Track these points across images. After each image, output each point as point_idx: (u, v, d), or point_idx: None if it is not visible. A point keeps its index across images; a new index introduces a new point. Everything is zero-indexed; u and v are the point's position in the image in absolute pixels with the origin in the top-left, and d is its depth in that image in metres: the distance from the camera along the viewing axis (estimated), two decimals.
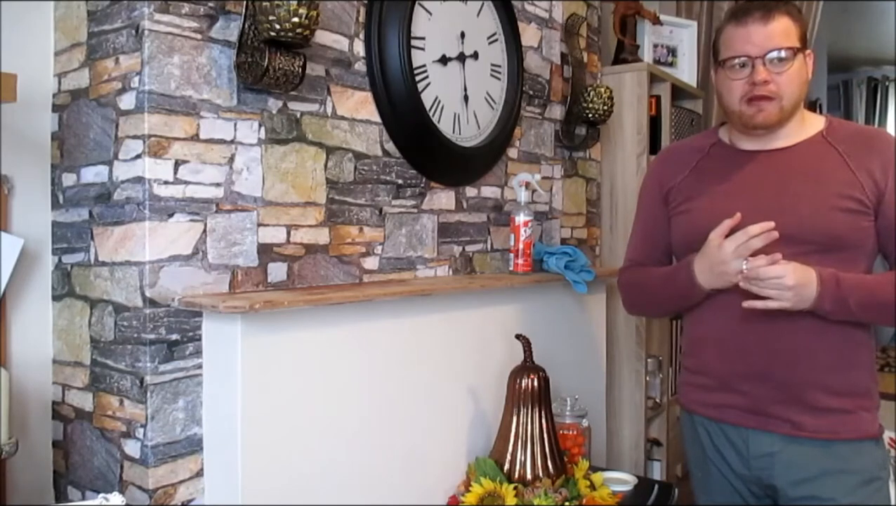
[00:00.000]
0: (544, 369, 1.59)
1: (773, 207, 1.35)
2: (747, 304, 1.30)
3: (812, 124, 1.42)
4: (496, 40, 1.91)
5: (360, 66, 1.55)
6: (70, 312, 1.33)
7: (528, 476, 1.52)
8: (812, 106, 4.83)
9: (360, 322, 1.40)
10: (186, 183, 1.24)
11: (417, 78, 1.64)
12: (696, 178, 1.50)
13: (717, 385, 1.45)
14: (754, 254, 1.30)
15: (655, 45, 2.73)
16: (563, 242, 2.21)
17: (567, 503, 1.47)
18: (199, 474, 1.26)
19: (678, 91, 2.67)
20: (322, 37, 1.46)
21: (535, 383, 1.55)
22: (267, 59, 1.25)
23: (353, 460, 1.39)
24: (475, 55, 1.84)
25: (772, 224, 1.28)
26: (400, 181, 1.64)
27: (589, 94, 2.12)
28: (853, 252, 1.34)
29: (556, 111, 2.19)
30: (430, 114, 1.68)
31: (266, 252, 1.36)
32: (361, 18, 1.56)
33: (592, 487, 1.55)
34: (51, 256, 1.36)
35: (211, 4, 1.27)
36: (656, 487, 1.66)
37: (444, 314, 1.59)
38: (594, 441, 1.91)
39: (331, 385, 1.35)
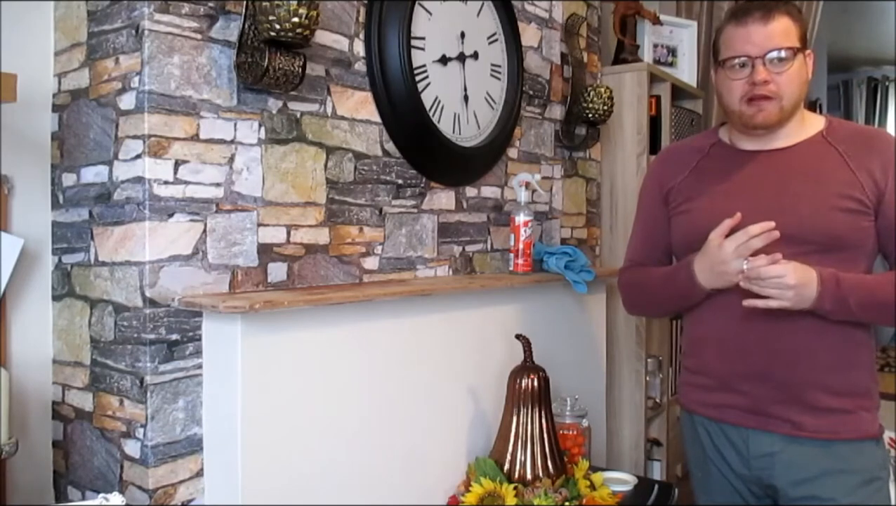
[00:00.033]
0: (544, 369, 1.59)
1: (773, 207, 1.35)
2: (747, 302, 1.30)
3: (812, 124, 1.42)
4: (496, 40, 1.91)
5: (360, 66, 1.55)
6: (70, 312, 1.33)
7: (528, 476, 1.52)
8: (812, 106, 4.83)
9: (360, 322, 1.40)
10: (186, 183, 1.24)
11: (417, 78, 1.64)
12: (696, 178, 1.50)
13: (718, 385, 1.45)
14: (755, 254, 1.30)
15: (655, 45, 2.73)
16: (563, 242, 2.21)
17: (567, 503, 1.47)
18: (199, 474, 1.26)
19: (678, 91, 2.67)
20: (322, 37, 1.46)
21: (535, 383, 1.55)
22: (267, 59, 1.25)
23: (353, 460, 1.39)
24: (475, 55, 1.84)
25: (772, 224, 1.28)
26: (400, 181, 1.64)
27: (589, 94, 2.12)
28: (853, 252, 1.34)
29: (556, 111, 2.19)
30: (430, 114, 1.68)
31: (266, 252, 1.36)
32: (361, 18, 1.56)
33: (592, 487, 1.55)
34: (51, 256, 1.36)
35: (211, 4, 1.27)
36: (656, 487, 1.66)
37: (444, 314, 1.59)
38: (594, 441, 1.91)
39: (331, 385, 1.35)
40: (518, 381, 1.56)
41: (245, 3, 1.26)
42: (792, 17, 1.36)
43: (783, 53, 1.34)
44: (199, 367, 1.26)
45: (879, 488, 1.37)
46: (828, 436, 1.35)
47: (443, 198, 1.76)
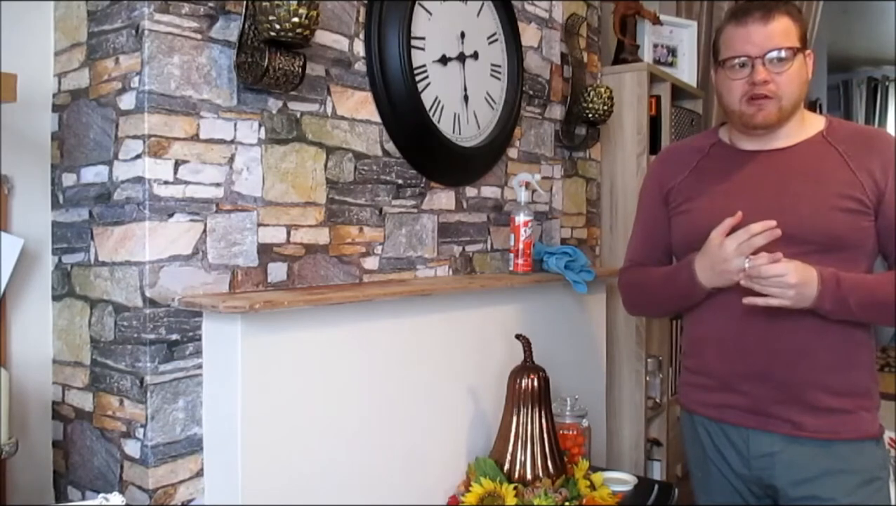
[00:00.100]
0: (544, 369, 1.59)
1: (774, 206, 1.35)
2: (748, 300, 1.30)
3: (812, 124, 1.42)
4: (496, 40, 1.91)
5: (360, 66, 1.55)
6: (70, 312, 1.33)
7: (528, 476, 1.52)
8: (812, 106, 4.83)
9: (360, 322, 1.40)
10: (186, 183, 1.24)
11: (417, 78, 1.64)
12: (696, 178, 1.50)
13: (718, 385, 1.45)
14: (755, 252, 1.30)
15: (655, 45, 2.73)
16: (563, 242, 2.21)
17: (567, 503, 1.47)
18: (199, 474, 1.26)
19: (678, 91, 2.67)
20: (322, 37, 1.46)
21: (535, 383, 1.55)
22: (267, 59, 1.25)
23: (353, 460, 1.39)
24: (475, 55, 1.84)
25: (773, 223, 1.28)
26: (400, 181, 1.64)
27: (589, 94, 2.12)
28: (853, 252, 1.34)
29: (556, 111, 2.19)
30: (430, 114, 1.68)
31: (266, 252, 1.36)
32: (361, 18, 1.56)
33: (592, 487, 1.55)
34: (51, 256, 1.36)
35: (211, 4, 1.27)
36: (656, 487, 1.66)
37: (444, 314, 1.59)
38: (594, 441, 1.91)
39: (331, 385, 1.34)
40: (518, 381, 1.56)
41: (245, 3, 1.26)
42: (792, 17, 1.36)
43: (783, 53, 1.34)
44: (199, 367, 1.26)
45: (879, 488, 1.37)
46: (828, 436, 1.35)
47: (443, 198, 1.76)
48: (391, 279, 1.61)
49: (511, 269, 1.83)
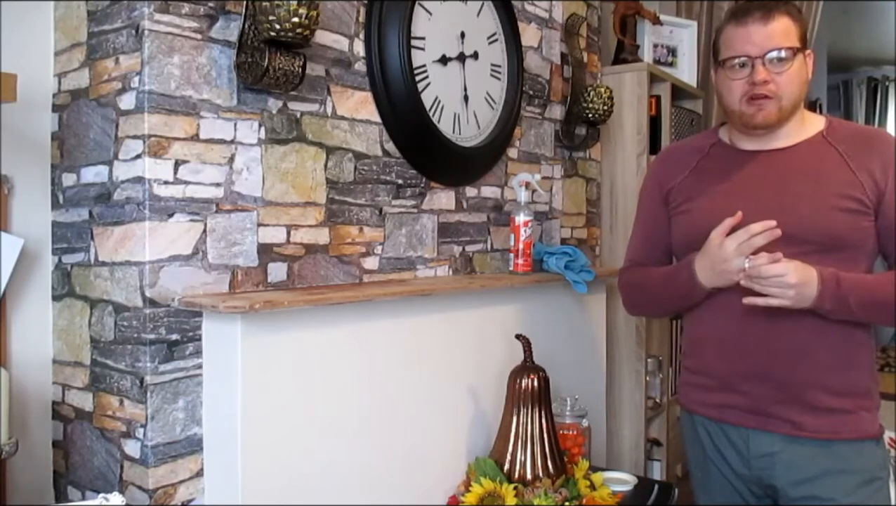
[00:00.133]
0: (544, 369, 1.59)
1: (773, 206, 1.35)
2: (747, 300, 1.30)
3: (812, 124, 1.42)
4: (496, 40, 1.91)
5: (360, 66, 1.55)
6: (70, 312, 1.33)
7: (528, 476, 1.52)
8: (812, 106, 4.83)
9: (360, 322, 1.40)
10: (186, 183, 1.24)
11: (417, 78, 1.64)
12: (696, 178, 1.50)
13: (718, 385, 1.45)
14: (755, 252, 1.30)
15: (655, 45, 2.73)
16: (563, 242, 2.21)
17: (567, 503, 1.47)
18: (199, 474, 1.26)
19: (678, 91, 2.67)
20: (322, 37, 1.46)
21: (535, 383, 1.55)
22: (267, 59, 1.25)
23: (353, 460, 1.39)
24: (475, 55, 1.84)
25: (773, 223, 1.28)
26: (400, 181, 1.64)
27: (589, 94, 2.12)
28: (853, 252, 1.34)
29: (556, 111, 2.19)
30: (430, 114, 1.68)
31: (266, 252, 1.36)
32: (361, 18, 1.56)
33: (592, 487, 1.55)
34: (51, 256, 1.36)
35: (211, 4, 1.27)
36: (656, 487, 1.66)
37: (444, 314, 1.59)
38: (594, 441, 1.91)
39: (331, 385, 1.34)
40: (518, 381, 1.56)
41: (245, 3, 1.26)
42: (792, 17, 1.36)
43: (783, 53, 1.34)
44: (199, 367, 1.26)
45: (879, 488, 1.37)
46: (828, 436, 1.35)
47: (443, 198, 1.76)
48: (391, 279, 1.61)
49: (511, 269, 1.83)
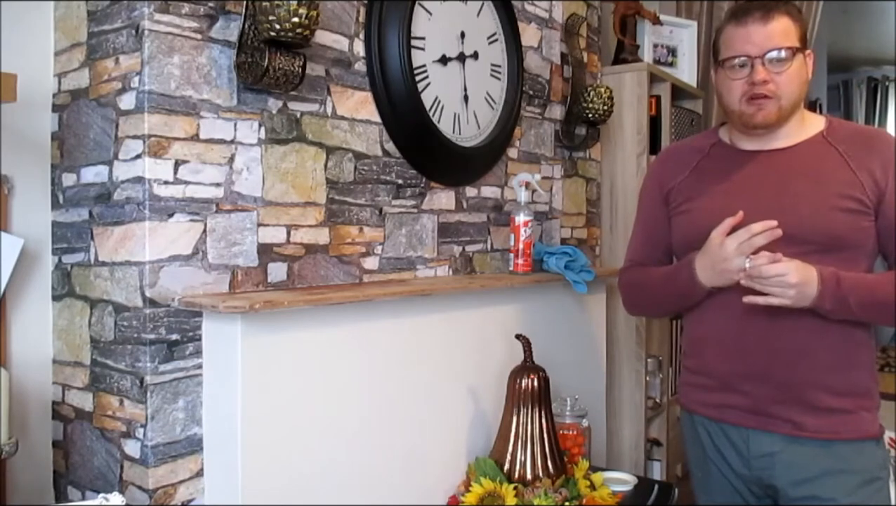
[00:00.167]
0: (544, 369, 1.59)
1: (774, 206, 1.35)
2: (748, 299, 1.30)
3: (812, 124, 1.42)
4: (496, 40, 1.91)
5: (360, 66, 1.55)
6: (70, 312, 1.33)
7: (528, 476, 1.52)
8: (812, 106, 4.83)
9: (360, 322, 1.40)
10: (186, 183, 1.24)
11: (417, 78, 1.64)
12: (696, 178, 1.50)
13: (718, 385, 1.45)
14: (756, 252, 1.30)
15: (655, 45, 2.73)
16: (563, 242, 2.21)
17: (567, 503, 1.47)
18: (199, 474, 1.26)
19: (678, 91, 2.67)
20: (322, 37, 1.46)
21: (535, 383, 1.55)
22: (267, 59, 1.25)
23: (353, 460, 1.39)
24: (475, 55, 1.84)
25: (774, 223, 1.28)
26: (400, 181, 1.64)
27: (589, 94, 2.12)
28: (853, 252, 1.34)
29: (556, 111, 2.19)
30: (430, 114, 1.68)
31: (266, 252, 1.36)
32: (361, 18, 1.56)
33: (592, 487, 1.55)
34: (51, 256, 1.36)
35: (211, 4, 1.27)
36: (656, 487, 1.66)
37: (444, 314, 1.59)
38: (594, 441, 1.91)
39: (331, 385, 1.34)
40: (518, 381, 1.56)
41: (245, 3, 1.26)
42: (792, 17, 1.36)
43: (783, 53, 1.34)
44: (199, 367, 1.26)
45: (880, 488, 1.37)
46: (828, 436, 1.35)
47: (443, 198, 1.76)
48: (391, 279, 1.61)
49: (511, 269, 1.83)
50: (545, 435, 1.55)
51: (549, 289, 1.93)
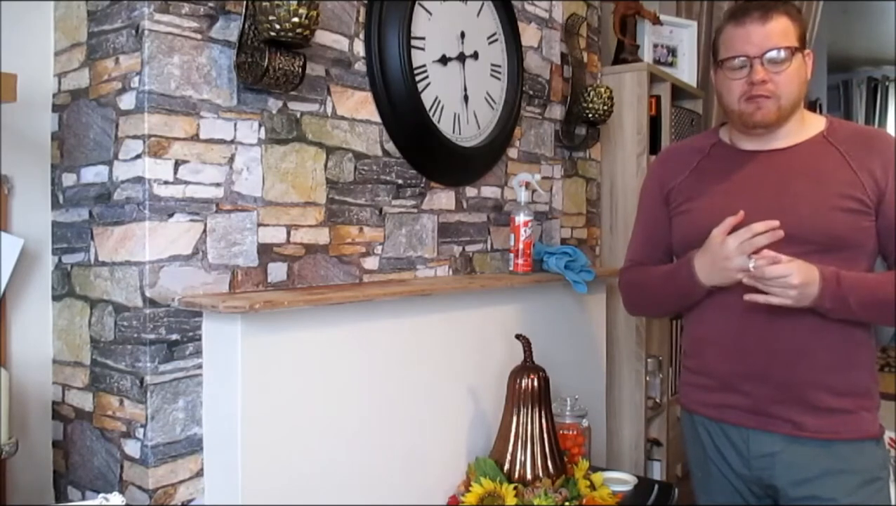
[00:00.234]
0: (544, 369, 1.59)
1: (774, 206, 1.35)
2: (749, 297, 1.31)
3: (812, 125, 1.42)
4: (496, 40, 1.91)
5: (360, 66, 1.55)
6: (70, 312, 1.33)
7: (528, 476, 1.52)
8: (812, 106, 4.83)
9: (360, 322, 1.40)
10: (186, 183, 1.24)
11: (417, 78, 1.64)
12: (696, 178, 1.50)
13: (718, 385, 1.45)
14: (757, 251, 1.30)
15: (655, 45, 2.73)
16: (563, 242, 2.21)
17: (567, 503, 1.47)
18: (199, 474, 1.26)
19: (678, 91, 2.67)
20: (322, 37, 1.46)
21: (535, 383, 1.55)
22: (267, 59, 1.25)
23: (353, 460, 1.39)
24: (475, 55, 1.84)
25: (776, 223, 1.29)
26: (400, 181, 1.64)
27: (589, 94, 2.12)
28: (854, 252, 1.34)
29: (556, 111, 2.19)
30: (430, 114, 1.68)
31: (266, 252, 1.36)
32: (361, 18, 1.56)
33: (592, 487, 1.55)
34: (51, 256, 1.36)
35: (211, 4, 1.27)
36: (656, 487, 1.66)
37: (444, 314, 1.59)
38: (594, 441, 1.91)
39: (331, 385, 1.34)
40: (518, 381, 1.56)
41: (245, 3, 1.26)
42: (790, 16, 1.36)
43: (781, 53, 1.34)
44: (199, 367, 1.26)
45: (880, 488, 1.37)
46: (829, 436, 1.35)
47: (443, 198, 1.76)
48: (391, 279, 1.61)
49: (511, 269, 1.83)
50: (545, 435, 1.55)
51: (549, 289, 1.93)
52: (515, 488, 1.48)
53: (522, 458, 1.53)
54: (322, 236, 1.46)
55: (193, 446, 1.25)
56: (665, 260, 1.58)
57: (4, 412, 1.13)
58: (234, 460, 1.21)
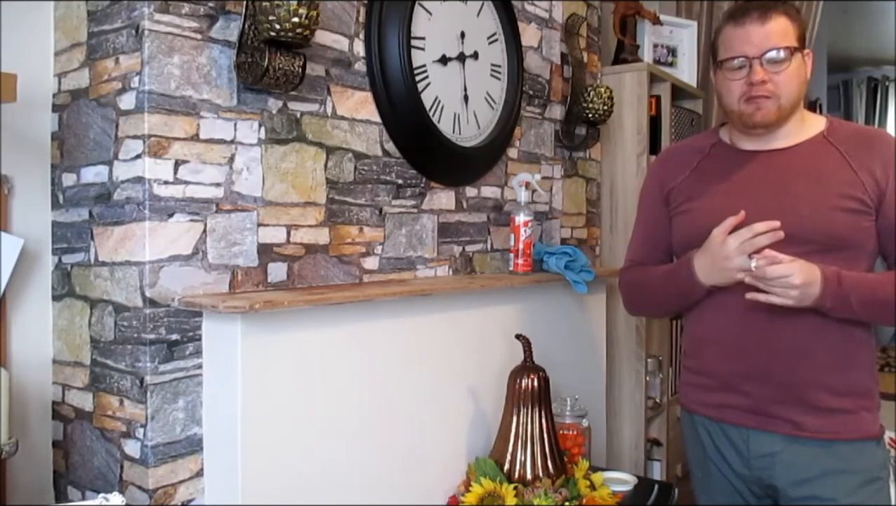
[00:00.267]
0: (544, 369, 1.59)
1: (774, 207, 1.35)
2: (750, 295, 1.30)
3: (812, 125, 1.42)
4: (496, 40, 1.91)
5: (360, 66, 1.55)
6: (70, 312, 1.33)
7: (528, 476, 1.52)
8: (812, 106, 4.83)
9: (360, 322, 1.40)
10: (186, 183, 1.24)
11: (417, 78, 1.64)
12: (696, 178, 1.50)
13: (718, 385, 1.45)
14: (757, 251, 1.30)
15: (655, 45, 2.73)
16: (563, 242, 2.21)
17: (567, 503, 1.47)
18: (199, 474, 1.26)
19: (678, 91, 2.67)
20: (322, 37, 1.46)
21: (535, 383, 1.55)
22: (267, 59, 1.25)
23: (353, 460, 1.39)
24: (475, 55, 1.84)
25: (777, 223, 1.29)
26: (400, 181, 1.64)
27: (589, 94, 2.12)
28: (854, 252, 1.34)
29: (556, 111, 2.19)
30: (430, 114, 1.68)
31: (266, 252, 1.36)
32: (361, 18, 1.56)
33: (592, 487, 1.55)
34: (51, 256, 1.36)
35: (211, 4, 1.27)
36: (656, 487, 1.66)
37: (444, 314, 1.59)
38: (594, 441, 1.91)
39: (331, 385, 1.34)
40: (518, 381, 1.56)
41: (245, 3, 1.26)
42: (789, 16, 1.36)
43: (781, 53, 1.34)
44: (199, 367, 1.26)
45: (880, 488, 1.37)
46: (829, 436, 1.35)
47: (443, 198, 1.76)
48: (391, 279, 1.61)
49: (511, 269, 1.83)
50: (545, 435, 1.55)
51: (549, 289, 1.93)
52: (515, 488, 1.48)
53: (522, 458, 1.53)
54: (322, 236, 1.46)
55: (193, 446, 1.25)
56: (665, 260, 1.58)
57: (4, 412, 1.13)
58: (234, 460, 1.21)
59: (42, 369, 1.35)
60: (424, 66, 1.69)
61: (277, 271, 1.38)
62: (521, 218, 1.80)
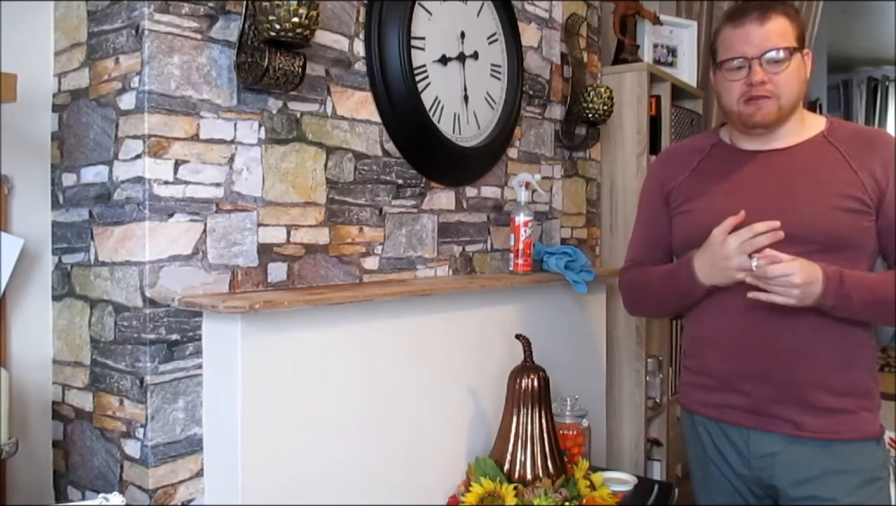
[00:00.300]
0: (544, 369, 1.59)
1: (774, 207, 1.35)
2: (752, 295, 1.30)
3: (813, 125, 1.42)
4: (496, 40, 1.91)
5: (360, 66, 1.55)
6: (70, 312, 1.33)
7: (528, 476, 1.52)
8: (812, 106, 4.83)
9: (360, 322, 1.40)
10: (186, 183, 1.24)
11: (417, 78, 1.64)
12: (697, 178, 1.50)
13: (718, 385, 1.45)
14: (757, 251, 1.30)
15: (655, 45, 2.73)
16: (563, 242, 2.21)
17: (567, 503, 1.47)
18: (199, 474, 1.26)
19: (678, 91, 2.67)
20: (322, 37, 1.46)
21: (535, 383, 1.55)
22: (267, 59, 1.25)
23: (353, 460, 1.39)
24: (475, 55, 1.84)
25: (777, 223, 1.29)
26: (400, 181, 1.64)
27: (589, 94, 2.12)
28: (854, 252, 1.34)
29: (556, 111, 2.19)
30: (430, 114, 1.68)
31: (266, 252, 1.36)
32: (361, 18, 1.56)
33: (592, 487, 1.55)
34: (51, 256, 1.36)
35: (211, 4, 1.27)
36: (656, 487, 1.66)
37: (444, 314, 1.59)
38: (594, 441, 1.91)
39: (331, 385, 1.34)
40: (518, 381, 1.56)
41: (245, 3, 1.26)
42: (789, 17, 1.36)
43: (780, 54, 1.34)
44: (199, 367, 1.26)
45: (880, 488, 1.37)
46: (829, 436, 1.35)
47: (443, 198, 1.76)
48: (391, 279, 1.61)
49: (511, 269, 1.83)
50: (545, 435, 1.55)
51: (549, 289, 1.93)
52: (515, 488, 1.48)
53: (522, 458, 1.53)
54: (322, 236, 1.46)
55: (193, 446, 1.25)
56: (665, 260, 1.58)
57: (4, 412, 1.13)
58: (234, 460, 1.21)
59: (42, 369, 1.35)
60: (424, 66, 1.69)
61: (277, 271, 1.38)
62: (521, 218, 1.80)
